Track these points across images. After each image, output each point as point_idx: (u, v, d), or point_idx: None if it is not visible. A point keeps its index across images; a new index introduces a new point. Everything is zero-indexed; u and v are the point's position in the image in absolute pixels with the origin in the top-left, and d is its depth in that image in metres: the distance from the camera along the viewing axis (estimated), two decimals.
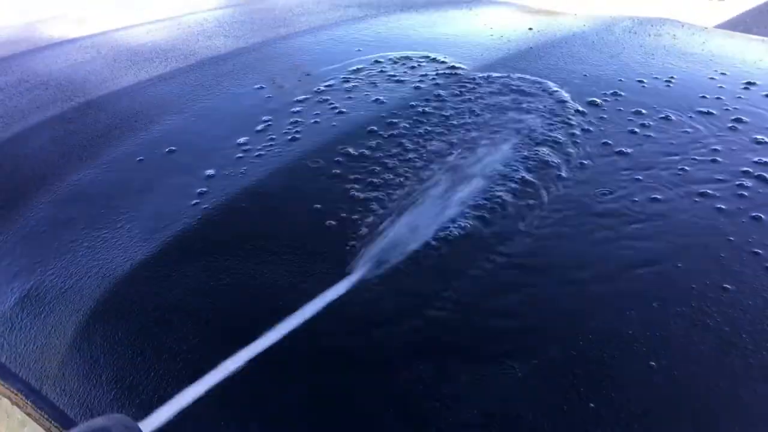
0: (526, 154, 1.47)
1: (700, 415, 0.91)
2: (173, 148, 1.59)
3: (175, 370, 1.03)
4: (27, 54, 2.38)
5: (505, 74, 1.90)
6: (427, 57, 2.05)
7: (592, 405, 0.92)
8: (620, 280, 1.11)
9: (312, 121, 1.67)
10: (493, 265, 1.16)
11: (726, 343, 0.99)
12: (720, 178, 1.38)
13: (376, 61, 2.04)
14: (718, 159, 1.45)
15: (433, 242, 1.21)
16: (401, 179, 1.40)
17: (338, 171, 1.44)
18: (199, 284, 1.17)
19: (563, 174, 1.40)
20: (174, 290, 1.18)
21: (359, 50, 2.16)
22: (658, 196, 1.32)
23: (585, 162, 1.45)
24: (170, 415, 0.82)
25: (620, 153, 1.48)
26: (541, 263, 1.17)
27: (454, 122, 1.64)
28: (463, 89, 1.81)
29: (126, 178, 1.50)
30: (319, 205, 1.33)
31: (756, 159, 1.44)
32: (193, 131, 1.67)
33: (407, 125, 1.61)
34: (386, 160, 1.46)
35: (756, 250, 1.17)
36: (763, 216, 1.26)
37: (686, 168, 1.41)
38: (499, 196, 1.33)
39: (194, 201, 1.38)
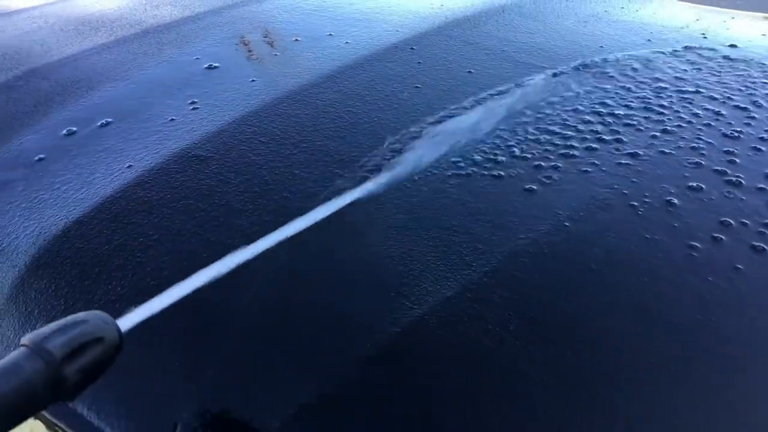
0: None
1: None
2: (110, 116, 1.64)
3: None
4: None
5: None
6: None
7: None
8: None
9: (246, 88, 1.73)
10: None
11: None
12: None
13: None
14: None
15: None
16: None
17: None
18: (128, 240, 1.24)
19: None
20: (106, 246, 1.25)
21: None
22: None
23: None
24: (148, 314, 0.88)
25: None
26: None
27: None
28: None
29: (63, 145, 1.55)
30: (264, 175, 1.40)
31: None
32: (134, 98, 1.72)
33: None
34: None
35: None
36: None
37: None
38: None
39: (128, 164, 1.44)
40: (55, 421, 1.02)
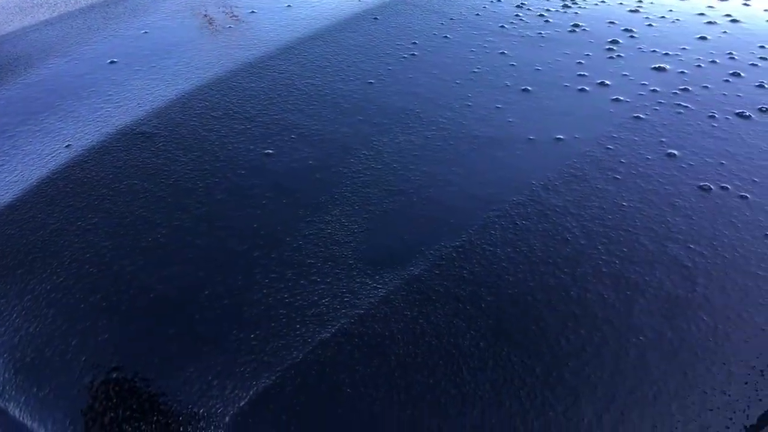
0: None
1: None
2: (49, 94, 1.52)
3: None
4: None
5: None
6: None
7: None
8: None
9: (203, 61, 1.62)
10: None
11: None
12: None
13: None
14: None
15: None
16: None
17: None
18: (65, 224, 1.13)
19: None
20: (41, 231, 1.14)
21: None
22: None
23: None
24: None
25: None
26: None
27: None
28: None
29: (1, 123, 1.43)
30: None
31: None
32: (75, 74, 1.60)
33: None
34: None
35: None
36: None
37: None
38: None
39: (66, 143, 1.33)
40: None
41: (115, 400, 0.90)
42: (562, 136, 1.27)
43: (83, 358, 0.96)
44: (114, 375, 0.93)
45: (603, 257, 0.99)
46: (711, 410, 0.80)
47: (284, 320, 0.94)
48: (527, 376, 0.84)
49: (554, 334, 0.88)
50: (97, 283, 1.04)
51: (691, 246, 1.00)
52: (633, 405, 0.81)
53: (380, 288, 0.96)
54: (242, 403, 0.84)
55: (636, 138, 1.25)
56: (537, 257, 0.99)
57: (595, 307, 0.91)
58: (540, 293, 0.94)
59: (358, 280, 0.99)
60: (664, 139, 1.25)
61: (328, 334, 0.90)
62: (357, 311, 0.93)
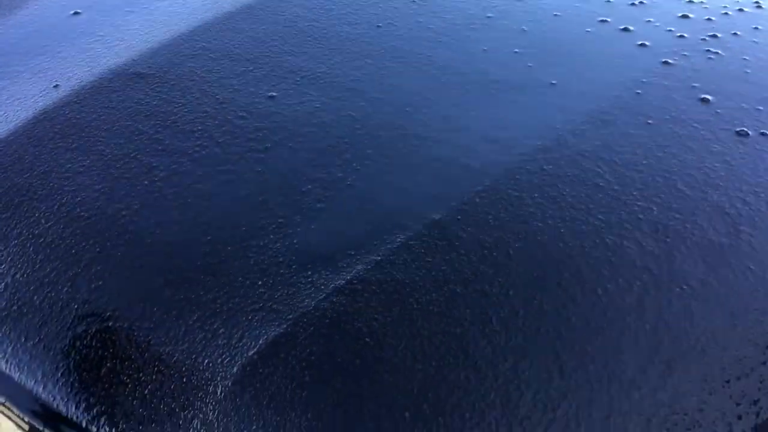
0: None
1: None
2: (35, 34, 1.42)
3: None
4: None
5: None
6: None
7: None
8: None
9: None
10: None
11: None
12: None
13: None
14: None
15: None
16: None
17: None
18: (54, 166, 1.05)
19: None
20: (27, 174, 1.05)
21: None
22: None
23: None
24: None
25: None
26: None
27: None
28: None
29: None
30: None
31: None
32: (62, 13, 1.49)
33: None
34: None
35: None
36: None
37: None
38: None
39: (55, 83, 1.23)
40: None
41: (111, 350, 0.83)
42: (586, 81, 1.19)
43: (75, 306, 0.88)
44: (109, 324, 0.85)
45: (639, 203, 0.91)
46: (766, 364, 0.73)
47: (294, 267, 0.86)
48: (562, 326, 0.77)
49: (590, 283, 0.80)
50: (89, 227, 0.96)
51: (733, 193, 0.93)
52: (680, 357, 0.74)
53: (398, 234, 0.88)
54: (251, 353, 0.76)
55: (666, 83, 1.17)
56: (567, 203, 0.91)
57: (633, 255, 0.84)
58: (572, 240, 0.86)
59: (372, 224, 0.91)
60: (696, 85, 1.17)
61: (343, 281, 0.82)
62: (373, 257, 0.85)
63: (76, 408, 0.82)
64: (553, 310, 0.78)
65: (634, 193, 0.93)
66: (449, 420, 0.69)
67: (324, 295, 0.81)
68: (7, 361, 0.88)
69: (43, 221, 0.99)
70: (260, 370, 0.75)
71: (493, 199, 0.92)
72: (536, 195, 0.93)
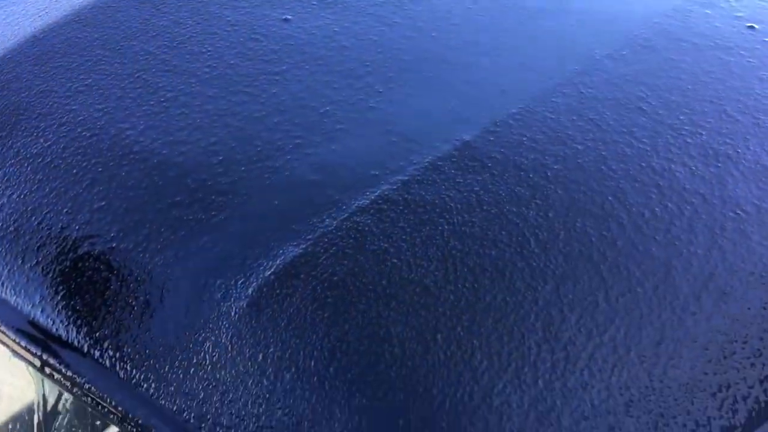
0: None
1: None
2: None
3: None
4: None
5: None
6: None
7: None
8: None
9: None
10: None
11: None
12: None
13: None
14: None
15: None
16: None
17: None
18: (54, 85, 0.97)
19: None
20: (25, 92, 0.98)
21: None
22: None
23: None
24: None
25: None
26: None
27: None
28: None
29: None
30: None
31: None
32: None
33: None
34: None
35: None
36: None
37: None
38: None
39: None
40: None
41: (114, 273, 0.76)
42: (622, 6, 1.11)
43: (76, 228, 0.82)
44: (113, 245, 0.79)
45: (686, 128, 0.84)
46: None
47: (314, 187, 0.80)
48: (608, 249, 0.70)
49: (636, 206, 0.74)
50: (91, 147, 0.89)
51: None
52: (737, 283, 0.68)
53: (426, 154, 0.81)
54: (268, 274, 0.70)
55: (709, 11, 1.09)
56: (609, 126, 0.84)
57: (682, 179, 0.77)
58: (615, 163, 0.79)
59: (398, 146, 0.84)
60: (740, 14, 1.09)
61: (367, 201, 0.76)
62: (399, 177, 0.79)
63: (77, 333, 0.76)
64: (597, 233, 0.71)
65: (681, 117, 0.86)
66: (485, 343, 0.62)
67: (346, 214, 0.74)
68: (2, 285, 0.82)
69: (41, 140, 0.92)
70: (278, 291, 0.69)
71: (528, 121, 0.85)
72: (574, 118, 0.86)
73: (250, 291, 0.70)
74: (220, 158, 0.85)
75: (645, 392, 0.60)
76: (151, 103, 0.95)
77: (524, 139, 0.83)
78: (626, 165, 0.79)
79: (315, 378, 0.63)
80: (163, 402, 0.67)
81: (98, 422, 0.80)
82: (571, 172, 0.78)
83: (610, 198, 0.75)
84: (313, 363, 0.63)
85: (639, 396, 0.60)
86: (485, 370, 0.61)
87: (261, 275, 0.71)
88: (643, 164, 0.79)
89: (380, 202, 0.76)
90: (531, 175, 0.78)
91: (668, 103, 0.88)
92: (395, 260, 0.70)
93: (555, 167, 0.79)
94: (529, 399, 0.60)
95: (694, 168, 0.79)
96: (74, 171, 0.88)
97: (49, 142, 0.92)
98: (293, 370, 0.64)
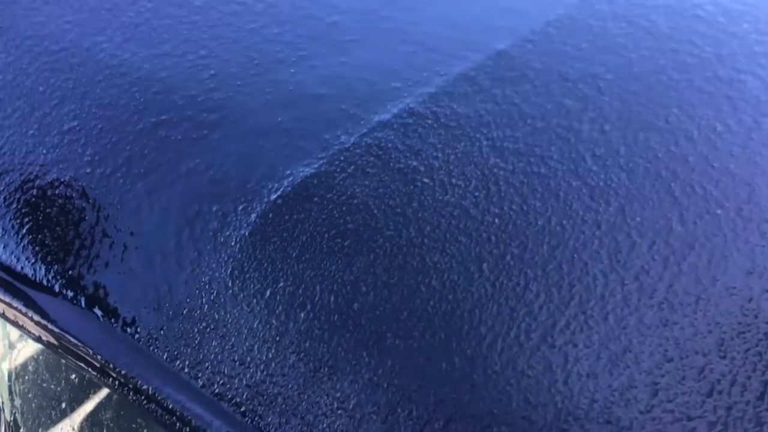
0: None
1: None
2: None
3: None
4: None
5: None
6: None
7: None
8: None
9: None
10: None
11: None
12: None
13: None
14: None
15: None
16: None
17: None
18: None
19: None
20: None
21: None
22: None
23: None
24: None
25: None
26: None
27: None
28: None
29: None
30: None
31: None
32: None
33: None
34: None
35: None
36: None
37: None
38: None
39: None
40: None
41: (91, 201, 0.64)
42: None
43: (43, 152, 0.69)
44: (87, 170, 0.66)
45: (752, 36, 0.73)
46: None
47: (324, 101, 0.67)
48: (678, 166, 0.59)
49: (706, 119, 0.62)
50: (60, 62, 0.76)
51: None
52: None
53: (454, 65, 0.69)
54: (274, 197, 0.58)
55: None
56: (663, 33, 0.73)
57: (754, 89, 0.66)
58: (676, 73, 0.68)
59: (420, 56, 0.72)
60: None
61: (389, 115, 0.64)
62: (425, 89, 0.67)
63: (46, 271, 0.64)
64: (663, 148, 0.60)
65: (744, 25, 0.75)
66: (540, 273, 0.51)
67: (366, 129, 0.62)
68: None
69: (3, 56, 0.79)
70: (287, 217, 0.57)
71: (570, 29, 0.73)
72: (624, 25, 0.74)
73: (252, 217, 0.58)
74: (212, 72, 0.73)
75: (738, 329, 0.50)
76: (130, 14, 0.82)
77: (568, 48, 0.71)
78: (689, 75, 0.68)
79: (335, 316, 0.51)
80: (151, 348, 0.56)
81: (73, 375, 0.68)
82: (626, 82, 0.67)
83: (674, 110, 0.64)
84: (333, 299, 0.52)
85: (731, 333, 0.49)
86: (543, 304, 0.50)
87: (266, 199, 0.59)
88: (708, 74, 0.68)
89: (404, 116, 0.64)
90: (580, 86, 0.66)
91: (729, 11, 0.77)
92: (426, 180, 0.58)
93: (607, 77, 0.67)
94: (599, 337, 0.49)
95: (766, 78, 0.67)
96: (40, 89, 0.75)
97: (11, 58, 0.79)
98: (308, 307, 0.52)
